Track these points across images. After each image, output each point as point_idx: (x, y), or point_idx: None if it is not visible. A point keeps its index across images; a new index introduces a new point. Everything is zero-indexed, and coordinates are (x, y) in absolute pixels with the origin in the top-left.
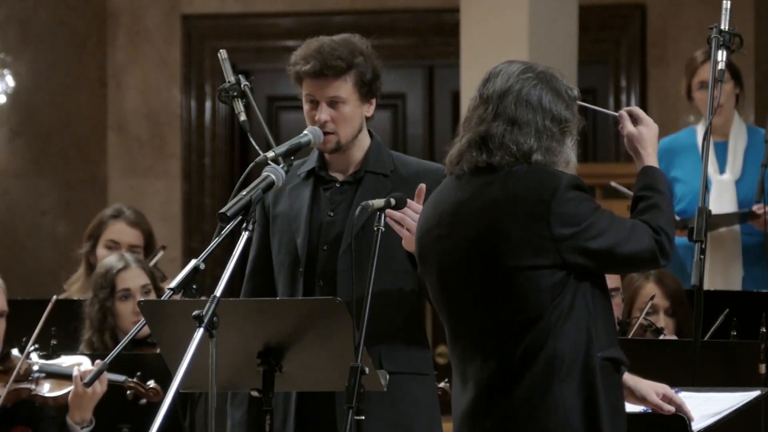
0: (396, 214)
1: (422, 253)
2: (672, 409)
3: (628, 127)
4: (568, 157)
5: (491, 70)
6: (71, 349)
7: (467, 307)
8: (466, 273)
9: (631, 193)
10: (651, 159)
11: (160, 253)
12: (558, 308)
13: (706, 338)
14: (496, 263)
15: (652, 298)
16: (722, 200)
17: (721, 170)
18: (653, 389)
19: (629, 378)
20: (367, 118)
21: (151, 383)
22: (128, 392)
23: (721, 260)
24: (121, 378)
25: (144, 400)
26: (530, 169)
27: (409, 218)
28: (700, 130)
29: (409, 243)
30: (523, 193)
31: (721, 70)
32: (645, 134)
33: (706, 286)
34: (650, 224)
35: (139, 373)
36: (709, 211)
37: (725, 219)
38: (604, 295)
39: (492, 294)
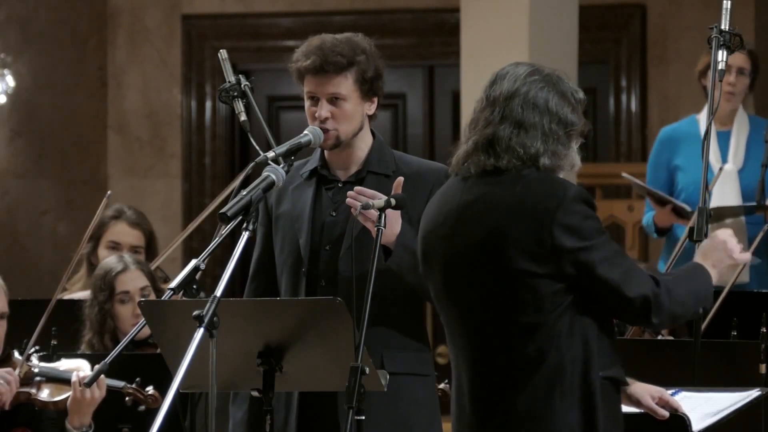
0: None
1: (426, 253)
2: (666, 414)
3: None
4: (573, 161)
5: (498, 72)
6: (72, 350)
7: (469, 307)
8: (470, 274)
9: (642, 183)
10: (713, 270)
11: (248, 169)
12: (560, 322)
13: (702, 333)
14: (498, 265)
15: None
16: (725, 190)
17: (723, 160)
18: (649, 393)
19: None
20: (370, 117)
21: (150, 389)
22: (127, 398)
23: None
24: (120, 384)
25: (143, 407)
26: (539, 175)
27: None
28: (701, 118)
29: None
30: (529, 199)
31: (721, 70)
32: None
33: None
34: (657, 279)
35: (138, 379)
36: (710, 211)
37: (730, 211)
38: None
39: (493, 296)
